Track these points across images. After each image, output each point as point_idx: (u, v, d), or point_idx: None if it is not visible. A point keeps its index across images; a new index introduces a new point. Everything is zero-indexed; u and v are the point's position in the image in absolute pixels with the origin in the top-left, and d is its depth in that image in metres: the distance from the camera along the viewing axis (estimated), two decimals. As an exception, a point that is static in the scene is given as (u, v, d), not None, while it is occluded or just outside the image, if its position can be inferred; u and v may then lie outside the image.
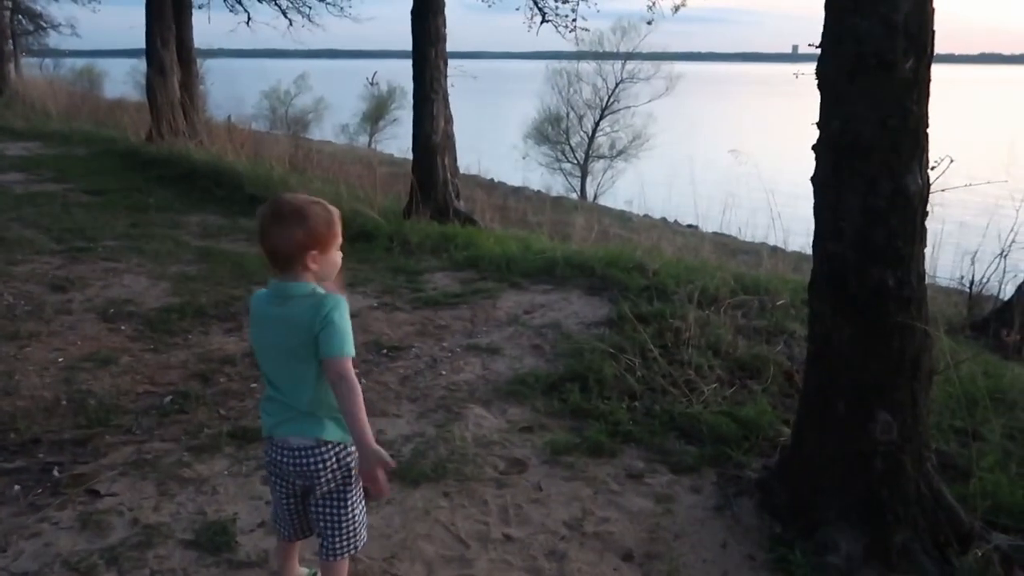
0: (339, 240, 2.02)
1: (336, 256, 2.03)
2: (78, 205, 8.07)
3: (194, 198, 8.88)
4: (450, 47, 8.27)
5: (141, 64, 14.43)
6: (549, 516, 2.79)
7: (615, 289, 5.48)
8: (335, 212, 2.01)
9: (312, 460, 2.00)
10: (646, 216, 15.58)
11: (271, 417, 2.04)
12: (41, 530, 2.55)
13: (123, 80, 31.62)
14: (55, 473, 2.91)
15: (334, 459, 2.02)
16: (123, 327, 4.59)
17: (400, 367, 4.23)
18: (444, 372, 4.17)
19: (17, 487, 2.80)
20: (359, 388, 1.93)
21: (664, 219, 17.10)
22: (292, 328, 1.93)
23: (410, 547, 2.55)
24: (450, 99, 8.24)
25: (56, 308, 4.81)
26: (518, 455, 3.23)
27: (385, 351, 4.45)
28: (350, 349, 1.93)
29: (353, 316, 5.17)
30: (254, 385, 3.88)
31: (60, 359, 4.04)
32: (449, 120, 8.24)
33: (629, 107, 35.85)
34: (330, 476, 2.03)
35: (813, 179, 2.71)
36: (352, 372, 1.93)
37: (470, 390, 3.93)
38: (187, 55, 13.33)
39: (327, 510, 2.08)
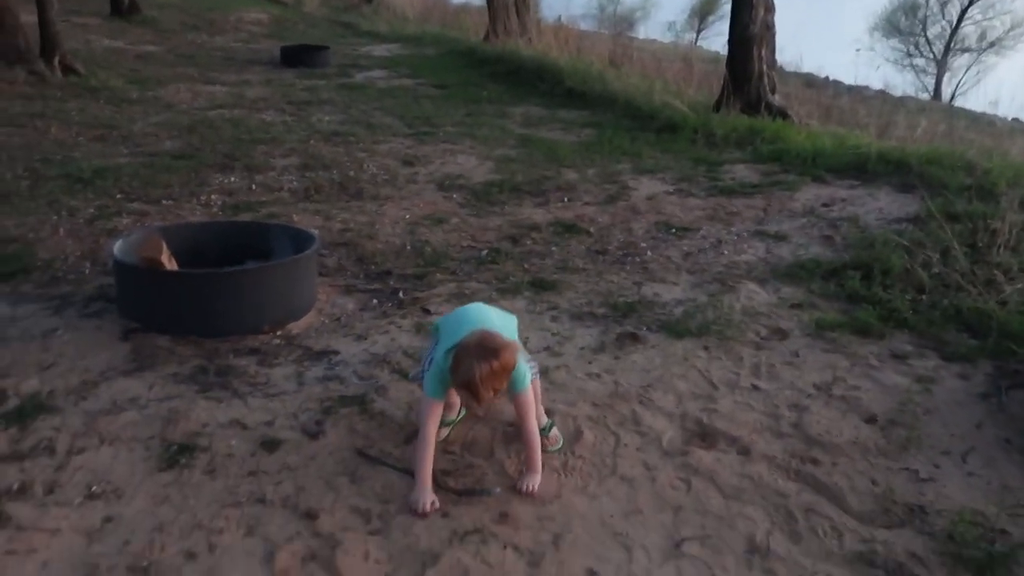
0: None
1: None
2: (426, 97, 9.35)
3: (520, 91, 9.76)
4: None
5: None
6: (800, 377, 2.95)
7: (931, 187, 5.11)
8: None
9: None
10: (1015, 120, 13.41)
11: None
12: (389, 330, 3.35)
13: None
14: (400, 295, 3.75)
15: None
16: (454, 196, 5.45)
17: (685, 244, 4.51)
18: (726, 252, 4.37)
19: (375, 301, 3.68)
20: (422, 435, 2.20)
21: (1040, 124, 14.56)
22: None
23: (665, 381, 2.91)
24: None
25: (406, 178, 5.83)
26: (782, 326, 3.39)
27: (673, 231, 4.75)
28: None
29: (648, 199, 5.50)
30: (554, 248, 4.45)
31: (407, 216, 4.97)
32: (770, 8, 7.91)
33: (1011, -11, 30.18)
34: None
35: None
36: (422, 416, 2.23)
37: (748, 269, 4.10)
38: (523, -43, 14.12)
39: None
